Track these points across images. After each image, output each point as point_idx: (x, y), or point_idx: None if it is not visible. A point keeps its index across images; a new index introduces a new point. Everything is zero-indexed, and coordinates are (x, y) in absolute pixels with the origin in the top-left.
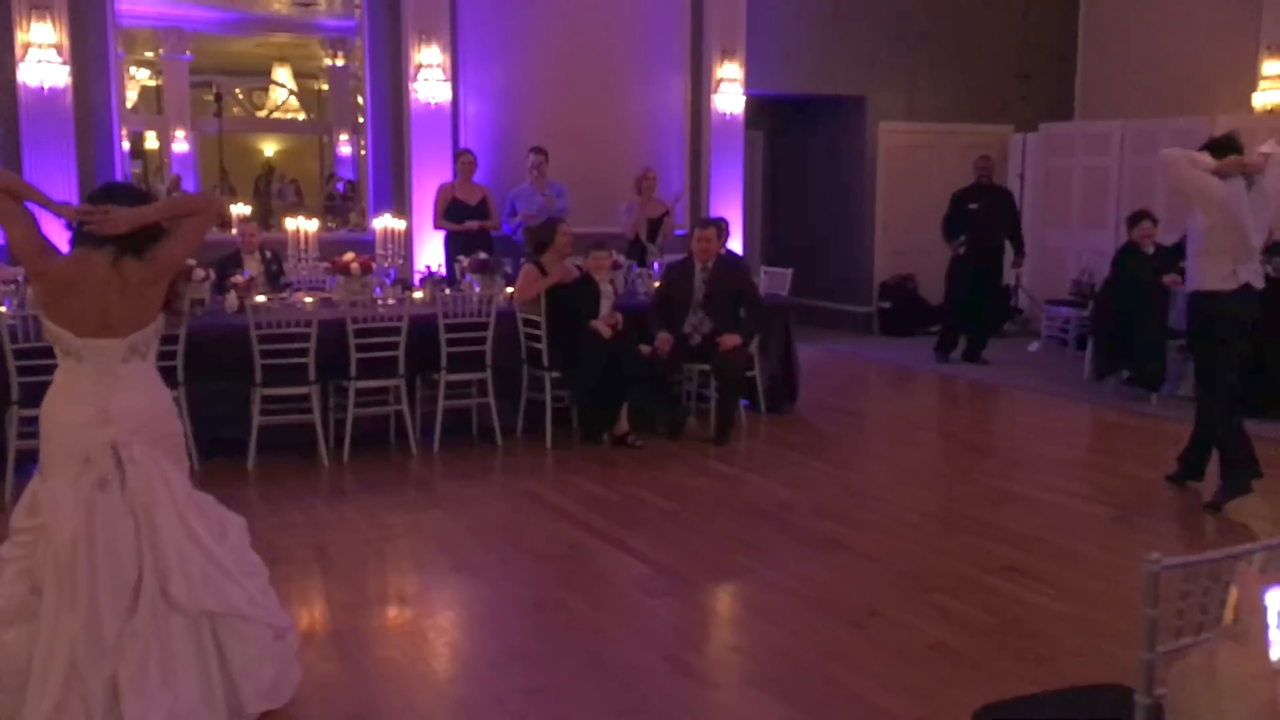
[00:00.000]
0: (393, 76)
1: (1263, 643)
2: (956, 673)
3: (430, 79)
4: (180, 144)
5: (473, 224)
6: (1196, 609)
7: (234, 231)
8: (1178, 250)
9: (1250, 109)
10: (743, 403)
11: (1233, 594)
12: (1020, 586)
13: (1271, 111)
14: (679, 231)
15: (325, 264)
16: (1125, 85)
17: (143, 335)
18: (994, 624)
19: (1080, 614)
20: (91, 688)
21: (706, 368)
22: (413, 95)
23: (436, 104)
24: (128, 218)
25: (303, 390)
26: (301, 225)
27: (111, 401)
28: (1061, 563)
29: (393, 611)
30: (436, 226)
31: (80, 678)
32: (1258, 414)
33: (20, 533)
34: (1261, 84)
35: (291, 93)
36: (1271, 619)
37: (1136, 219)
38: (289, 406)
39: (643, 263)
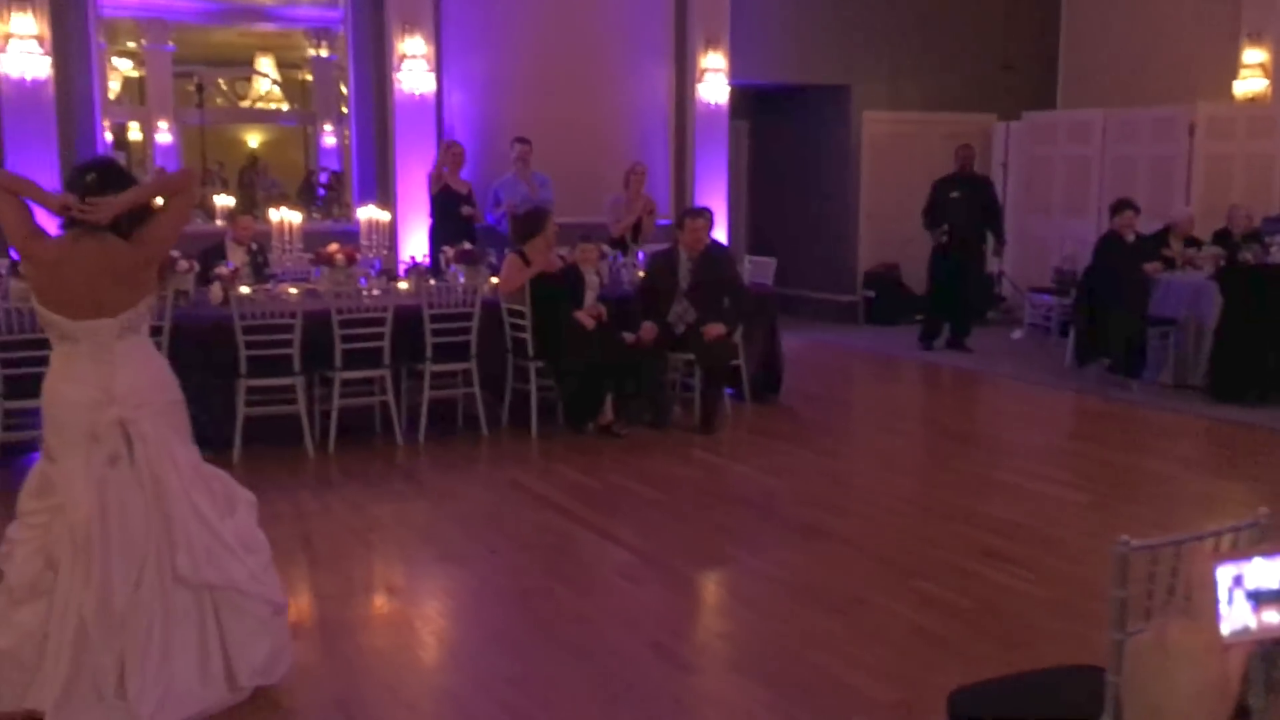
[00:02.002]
0: (377, 67)
1: (1213, 617)
2: (937, 656)
3: (414, 69)
4: (163, 135)
5: (468, 210)
6: (1165, 590)
7: (218, 223)
8: (1158, 239)
9: (1231, 97)
10: (727, 391)
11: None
12: (1000, 571)
13: (1252, 100)
14: (662, 222)
15: (310, 255)
16: (1107, 74)
17: (135, 312)
18: (974, 608)
19: (1058, 598)
20: (102, 661)
21: (691, 357)
22: (397, 86)
23: (421, 95)
24: (113, 205)
25: (288, 381)
26: (286, 216)
27: (113, 380)
28: (1041, 548)
29: (378, 600)
30: (432, 202)
31: (91, 651)
32: (1232, 400)
33: (32, 514)
34: (1242, 72)
35: (275, 83)
36: (1222, 594)
37: (1119, 207)
38: (274, 398)
39: (626, 252)
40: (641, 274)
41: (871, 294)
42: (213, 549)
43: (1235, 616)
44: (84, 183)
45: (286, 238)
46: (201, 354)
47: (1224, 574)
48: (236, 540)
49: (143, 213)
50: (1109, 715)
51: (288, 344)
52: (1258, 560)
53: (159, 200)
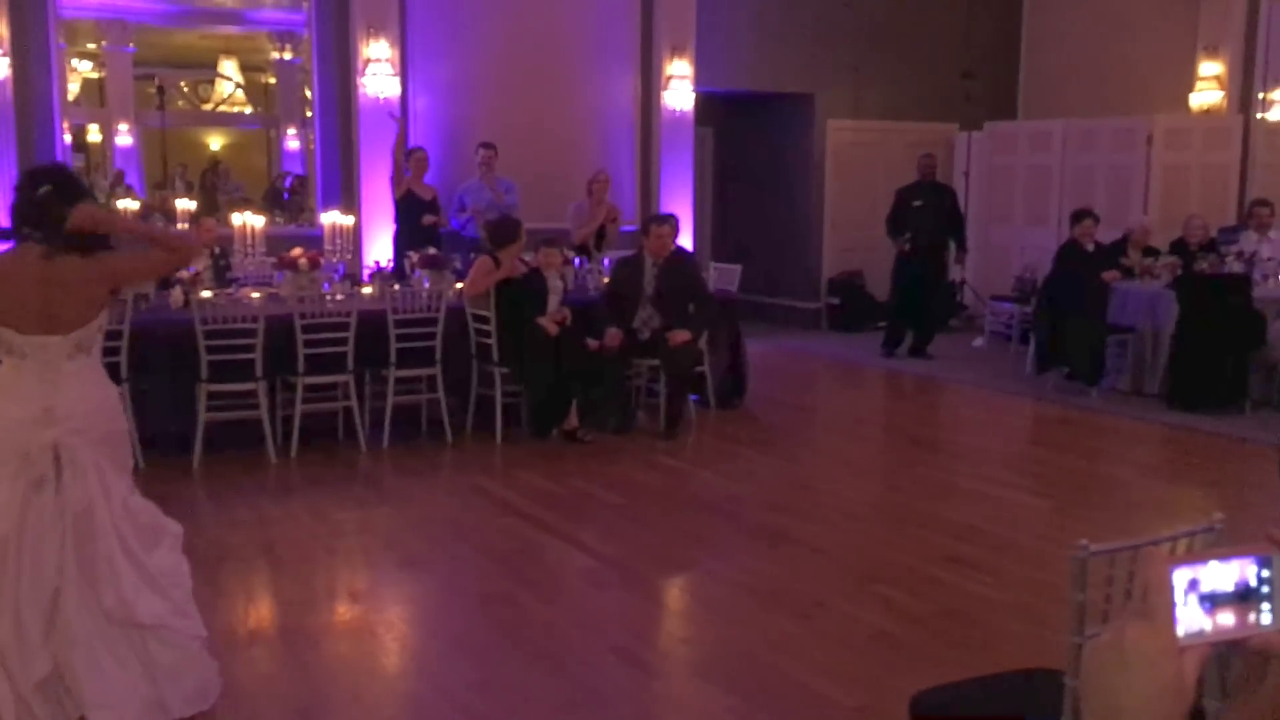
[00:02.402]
0: (340, 71)
1: (1169, 620)
2: (898, 661)
3: (379, 73)
4: (124, 137)
5: (430, 218)
6: (1123, 594)
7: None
8: (1117, 248)
9: (1188, 108)
10: (692, 398)
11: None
12: (961, 576)
13: (1208, 111)
14: (627, 228)
15: (272, 259)
16: (1067, 84)
17: (86, 332)
18: (935, 613)
19: (1018, 602)
20: (20, 690)
21: (656, 363)
22: (361, 90)
23: (385, 99)
24: (105, 220)
25: (250, 386)
26: (248, 220)
27: (56, 400)
28: (1001, 553)
29: (341, 607)
30: (396, 201)
31: (10, 679)
32: (1189, 407)
33: None
34: (1199, 84)
35: (238, 86)
36: (1178, 597)
37: (1079, 217)
38: (235, 403)
39: (590, 258)
40: (606, 280)
41: (835, 301)
42: (139, 586)
43: (1190, 619)
44: (38, 196)
45: (249, 242)
46: (162, 358)
47: (1179, 577)
48: (160, 573)
49: (110, 242)
50: (1068, 718)
51: (250, 349)
52: (1213, 564)
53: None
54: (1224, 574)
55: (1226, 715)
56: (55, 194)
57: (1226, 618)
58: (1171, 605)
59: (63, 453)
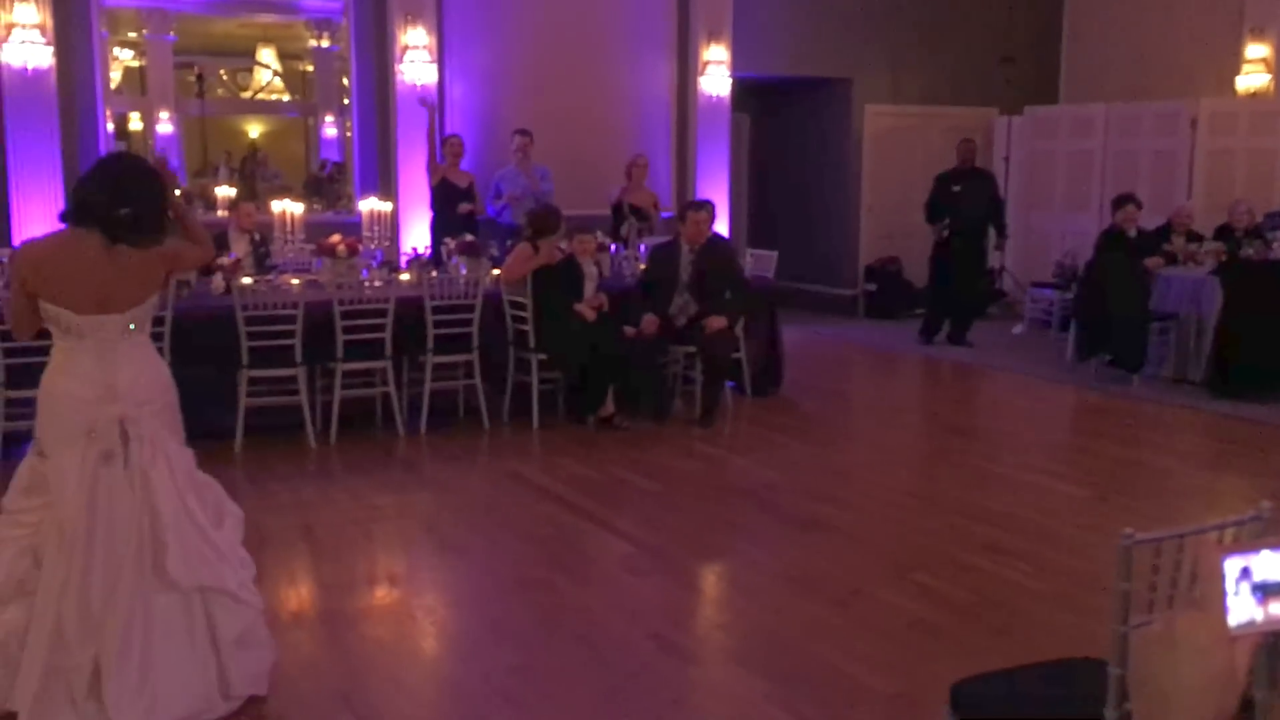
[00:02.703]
0: (378, 58)
1: (1220, 609)
2: (936, 649)
3: (416, 60)
4: (164, 125)
5: (466, 206)
6: (1167, 583)
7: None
8: (1160, 234)
9: (1233, 92)
10: (728, 385)
11: (1193, 562)
12: (1000, 565)
13: (1254, 95)
14: (664, 214)
15: (311, 246)
16: (1109, 68)
17: (142, 309)
18: (974, 601)
19: (1058, 591)
20: (77, 663)
21: (692, 350)
22: (399, 77)
23: (422, 86)
24: (182, 214)
25: (289, 372)
26: (288, 207)
27: (116, 377)
28: (1040, 541)
29: (380, 591)
30: (431, 188)
31: (67, 653)
32: (1233, 395)
33: (22, 512)
34: (1245, 67)
35: (276, 74)
36: (1229, 586)
37: (1121, 203)
38: (276, 388)
39: (617, 234)
40: (643, 267)
41: (872, 288)
42: (204, 552)
43: (1242, 609)
44: (117, 218)
45: (288, 229)
46: (203, 345)
47: (1231, 566)
48: (227, 548)
49: (163, 235)
50: (1112, 707)
51: (290, 335)
52: (1265, 553)
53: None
54: (1277, 563)
55: (1276, 706)
56: (134, 221)
57: (1278, 607)
58: (1223, 594)
59: (129, 426)
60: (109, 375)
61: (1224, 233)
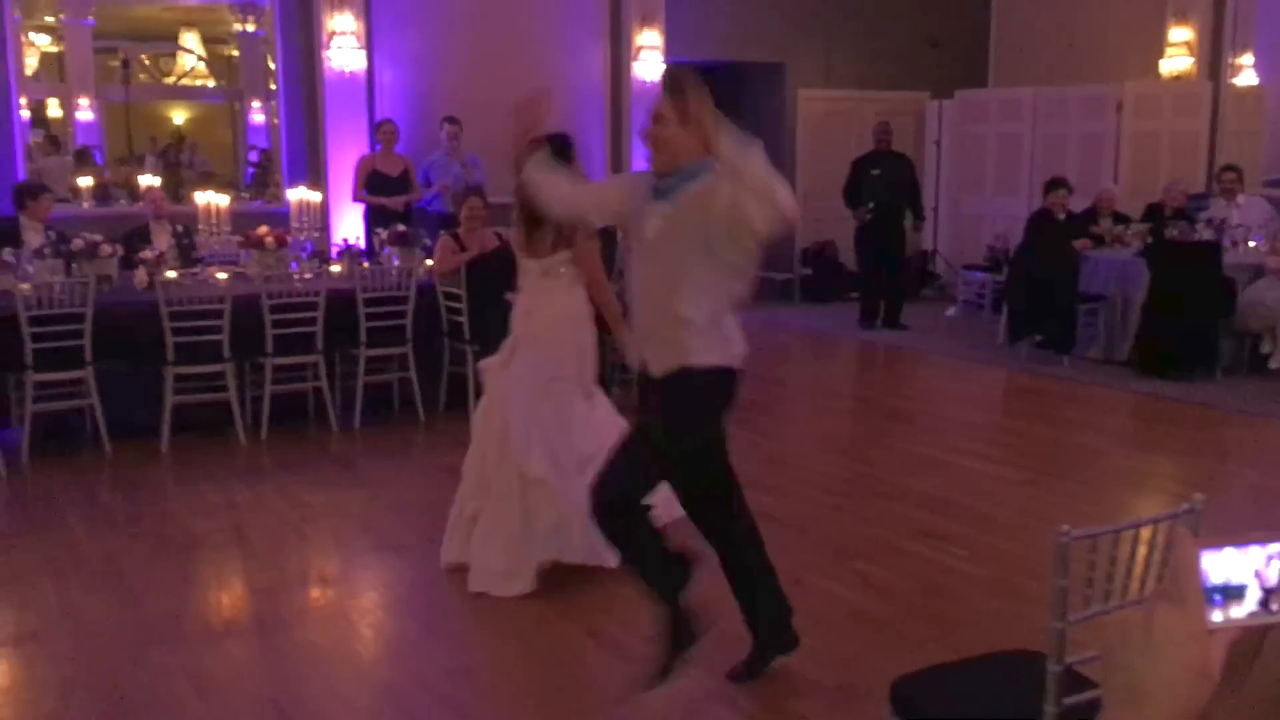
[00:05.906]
0: (305, 43)
1: (1198, 604)
2: (877, 639)
3: (344, 46)
4: (85, 112)
5: (398, 200)
6: (1104, 577)
7: (140, 204)
8: (1088, 216)
9: (1157, 75)
10: None
11: (1171, 555)
12: (937, 551)
13: (1178, 78)
14: None
15: (238, 237)
16: (1037, 52)
17: (551, 261)
18: (913, 589)
19: (995, 577)
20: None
21: None
22: (326, 63)
23: (351, 72)
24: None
25: (217, 368)
26: (213, 199)
27: (534, 305)
28: (977, 526)
29: (314, 593)
30: (356, 199)
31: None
32: (1159, 374)
33: None
34: (1168, 50)
35: (200, 59)
36: (1207, 581)
37: (1052, 186)
38: (203, 385)
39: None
40: None
41: (808, 272)
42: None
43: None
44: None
45: (214, 220)
46: (126, 341)
47: (1210, 562)
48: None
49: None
50: (1051, 703)
51: (216, 330)
52: (1252, 549)
53: None
54: (1239, 562)
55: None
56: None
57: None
58: (1201, 590)
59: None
60: (528, 303)
61: (1153, 212)
